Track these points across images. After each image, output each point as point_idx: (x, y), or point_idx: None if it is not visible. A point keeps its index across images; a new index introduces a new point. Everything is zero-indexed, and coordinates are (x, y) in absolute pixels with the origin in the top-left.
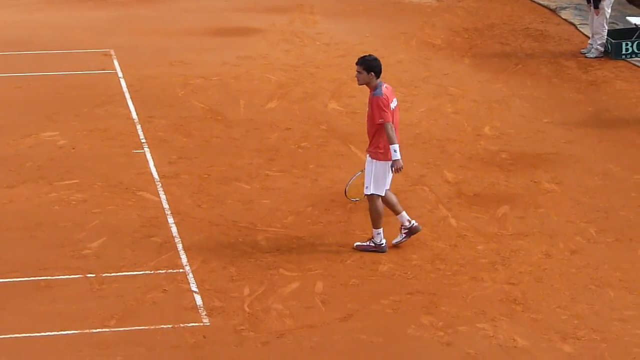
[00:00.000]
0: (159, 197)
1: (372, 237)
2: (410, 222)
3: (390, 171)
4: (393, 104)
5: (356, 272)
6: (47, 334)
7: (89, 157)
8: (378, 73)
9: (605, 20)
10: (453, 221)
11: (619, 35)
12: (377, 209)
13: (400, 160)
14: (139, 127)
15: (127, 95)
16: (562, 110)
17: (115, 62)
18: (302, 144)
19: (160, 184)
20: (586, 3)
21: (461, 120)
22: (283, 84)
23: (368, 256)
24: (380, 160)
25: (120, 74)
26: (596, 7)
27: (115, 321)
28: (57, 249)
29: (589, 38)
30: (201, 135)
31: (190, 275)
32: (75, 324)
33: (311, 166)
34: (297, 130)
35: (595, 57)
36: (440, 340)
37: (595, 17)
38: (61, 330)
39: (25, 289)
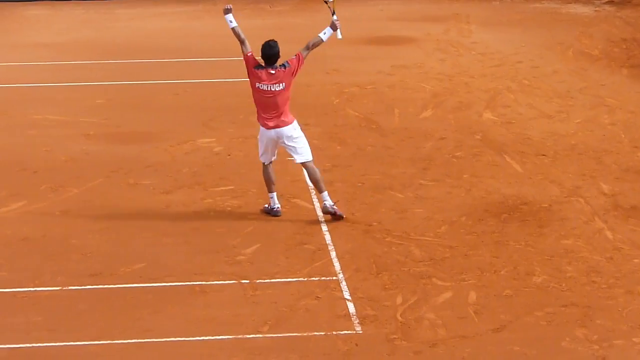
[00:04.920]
0: (313, 205)
1: (332, 202)
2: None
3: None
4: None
5: (510, 283)
6: (201, 338)
7: (245, 163)
8: (262, 56)
9: None
10: (609, 233)
11: None
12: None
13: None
14: None
15: None
16: None
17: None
18: (457, 154)
19: (314, 192)
20: None
21: (618, 131)
22: (437, 93)
23: (522, 267)
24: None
25: None
26: None
27: (269, 327)
28: (211, 254)
29: None
30: (355, 144)
31: (344, 283)
32: (229, 329)
33: (465, 176)
34: (451, 140)
35: None
36: (595, 354)
37: None
38: (215, 335)
39: (180, 294)
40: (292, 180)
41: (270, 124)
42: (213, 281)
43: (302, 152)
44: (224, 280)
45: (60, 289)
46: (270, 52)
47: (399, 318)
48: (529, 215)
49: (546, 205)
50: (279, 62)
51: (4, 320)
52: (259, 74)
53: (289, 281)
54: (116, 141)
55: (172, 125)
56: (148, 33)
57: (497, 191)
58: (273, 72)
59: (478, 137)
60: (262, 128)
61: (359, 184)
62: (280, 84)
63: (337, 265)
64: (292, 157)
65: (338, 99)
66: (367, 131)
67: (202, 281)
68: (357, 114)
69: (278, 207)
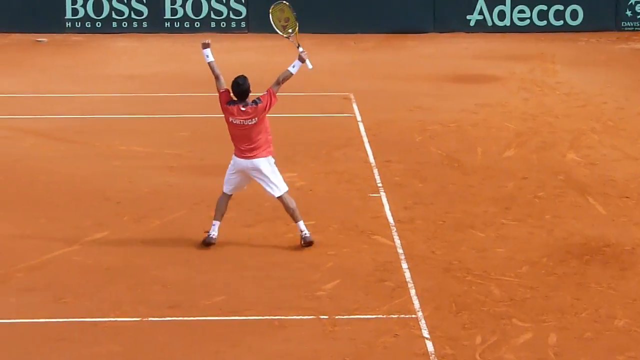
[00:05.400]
0: (394, 242)
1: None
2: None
3: None
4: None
5: (591, 325)
6: None
7: (326, 199)
8: (232, 93)
9: None
10: None
11: None
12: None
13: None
14: (375, 171)
15: (365, 139)
16: None
17: (355, 106)
18: (539, 194)
19: (395, 229)
20: None
21: None
22: (521, 133)
23: (603, 310)
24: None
25: (359, 118)
26: None
27: None
28: (291, 289)
29: None
30: (437, 182)
31: (422, 321)
32: None
33: (547, 216)
34: (534, 180)
35: None
36: None
37: None
38: None
39: (259, 328)
40: (372, 216)
41: (245, 155)
42: (292, 316)
43: (278, 185)
44: (303, 315)
45: (140, 320)
46: (239, 90)
47: (478, 358)
48: (611, 258)
49: (629, 248)
50: (252, 97)
51: (86, 350)
52: (232, 110)
53: (368, 318)
54: (199, 173)
55: None
56: (233, 66)
57: (580, 232)
58: (244, 109)
59: (561, 177)
60: (235, 158)
61: (440, 222)
62: (253, 119)
63: (416, 303)
64: (267, 191)
65: (421, 136)
66: (449, 169)
67: (281, 315)
68: (439, 151)
69: (213, 235)
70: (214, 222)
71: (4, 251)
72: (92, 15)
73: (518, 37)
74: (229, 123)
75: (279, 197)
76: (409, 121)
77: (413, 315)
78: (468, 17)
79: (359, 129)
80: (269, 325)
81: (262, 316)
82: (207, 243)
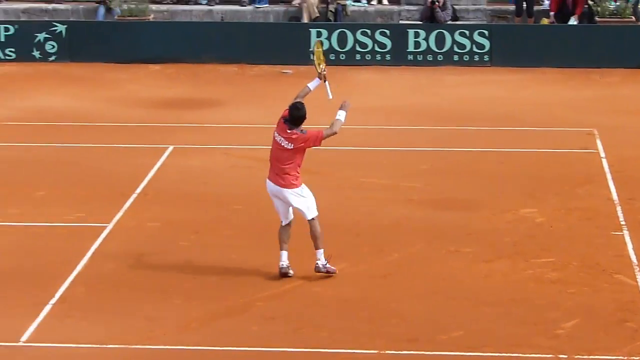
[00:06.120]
0: (637, 282)
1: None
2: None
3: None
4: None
5: None
6: None
7: (566, 236)
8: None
9: None
10: None
11: None
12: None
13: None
14: (619, 208)
15: (609, 176)
16: None
17: (598, 142)
18: None
19: (638, 269)
20: None
21: None
22: None
23: None
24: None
25: (602, 154)
26: None
27: None
28: (530, 326)
29: None
30: None
31: None
32: None
33: None
34: None
35: None
36: None
37: None
38: None
39: None
40: (615, 255)
41: (274, 177)
42: (530, 354)
43: (309, 210)
44: (542, 354)
45: (378, 352)
46: (295, 114)
47: None
48: None
49: None
50: (303, 124)
51: None
52: (280, 125)
53: (609, 359)
54: (438, 207)
55: (495, 193)
56: (475, 100)
57: None
58: (289, 130)
59: None
60: (267, 181)
61: None
62: (289, 144)
63: None
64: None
65: None
66: None
67: (519, 353)
68: None
69: (282, 265)
70: (280, 252)
71: (246, 280)
72: (336, 47)
73: None
74: (273, 137)
75: (309, 221)
76: None
77: None
78: None
79: (602, 165)
80: None
81: (500, 353)
82: (281, 274)
